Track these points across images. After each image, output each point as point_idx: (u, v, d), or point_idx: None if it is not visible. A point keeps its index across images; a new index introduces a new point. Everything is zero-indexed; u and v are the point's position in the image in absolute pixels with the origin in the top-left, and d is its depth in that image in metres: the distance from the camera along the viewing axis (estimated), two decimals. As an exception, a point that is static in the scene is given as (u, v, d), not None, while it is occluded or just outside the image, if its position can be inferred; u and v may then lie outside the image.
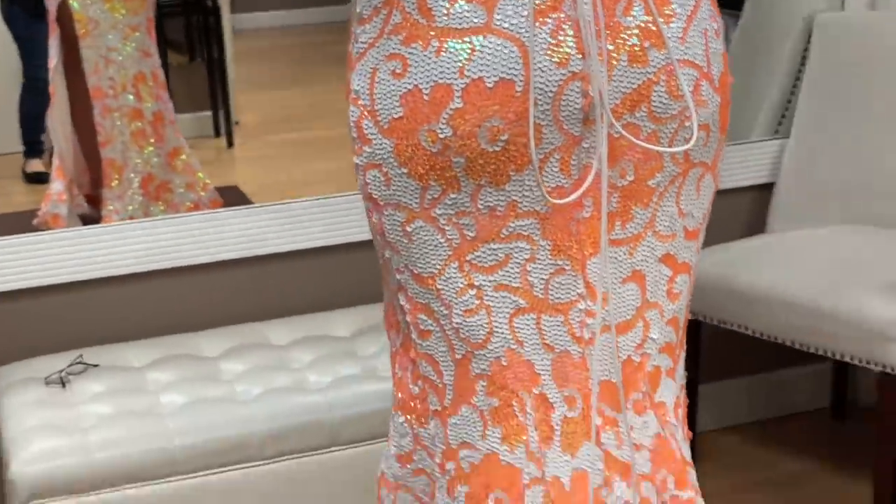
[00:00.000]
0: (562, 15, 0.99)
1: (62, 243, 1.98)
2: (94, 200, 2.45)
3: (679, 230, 1.11)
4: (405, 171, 1.04)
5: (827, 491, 2.18)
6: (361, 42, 1.07)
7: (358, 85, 1.06)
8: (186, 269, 1.99)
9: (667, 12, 1.04)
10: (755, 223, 2.28)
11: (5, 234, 1.96)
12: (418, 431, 1.16)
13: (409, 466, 1.18)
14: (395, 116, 1.03)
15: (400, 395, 1.19)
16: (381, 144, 1.05)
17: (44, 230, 2.19)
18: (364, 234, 2.12)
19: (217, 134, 2.73)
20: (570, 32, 0.99)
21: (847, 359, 1.93)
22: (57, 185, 2.41)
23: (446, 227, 1.04)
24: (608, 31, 1.01)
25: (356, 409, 1.75)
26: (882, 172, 2.18)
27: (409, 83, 1.01)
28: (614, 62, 1.01)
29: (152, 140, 2.45)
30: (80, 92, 2.37)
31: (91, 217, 2.41)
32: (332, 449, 1.74)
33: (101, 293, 1.94)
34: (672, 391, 1.15)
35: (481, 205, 1.02)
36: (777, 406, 2.36)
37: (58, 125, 2.40)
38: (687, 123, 1.05)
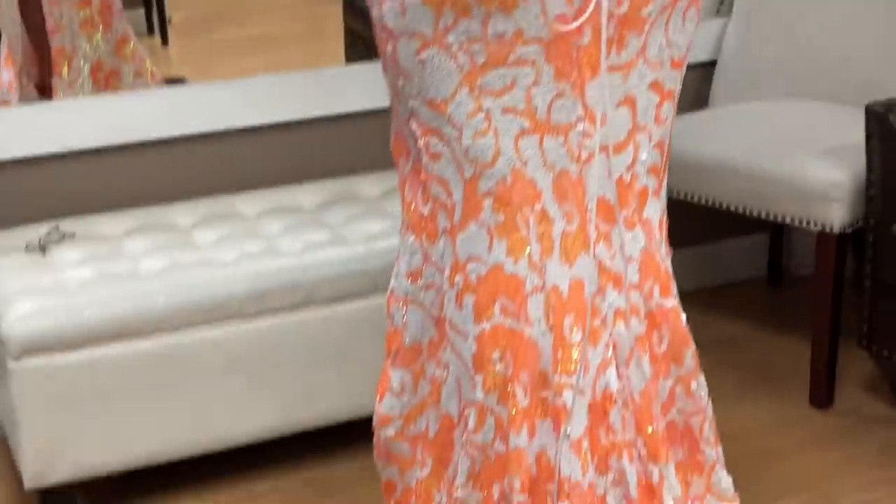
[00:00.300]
0: None
1: (30, 116, 1.99)
2: (44, 90, 2.43)
3: (666, 59, 1.21)
4: None
5: (765, 352, 2.35)
6: None
7: None
8: (154, 143, 2.02)
9: None
10: (698, 100, 2.40)
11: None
12: (428, 249, 1.24)
13: (419, 282, 1.27)
14: None
15: (409, 217, 1.27)
16: None
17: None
18: (326, 111, 2.19)
19: (150, 32, 2.71)
20: None
21: (789, 220, 2.08)
22: (5, 75, 2.39)
23: (458, 53, 1.11)
24: None
25: (329, 271, 1.82)
26: (821, 49, 2.32)
27: None
28: None
29: (100, 27, 2.44)
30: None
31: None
32: (310, 307, 1.81)
33: (72, 167, 1.97)
34: (657, 210, 1.26)
35: (490, 31, 1.09)
36: (717, 275, 2.52)
37: (5, 12, 2.37)
38: None
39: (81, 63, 2.42)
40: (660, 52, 1.19)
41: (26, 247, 1.78)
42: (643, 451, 1.25)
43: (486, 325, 1.18)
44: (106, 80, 2.45)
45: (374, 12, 1.18)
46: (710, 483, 1.39)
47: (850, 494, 1.87)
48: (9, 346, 1.62)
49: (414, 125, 1.19)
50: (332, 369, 1.84)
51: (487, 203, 1.17)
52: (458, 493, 1.24)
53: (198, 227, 1.92)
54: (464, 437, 1.23)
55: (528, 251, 1.17)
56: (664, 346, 1.28)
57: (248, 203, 2.02)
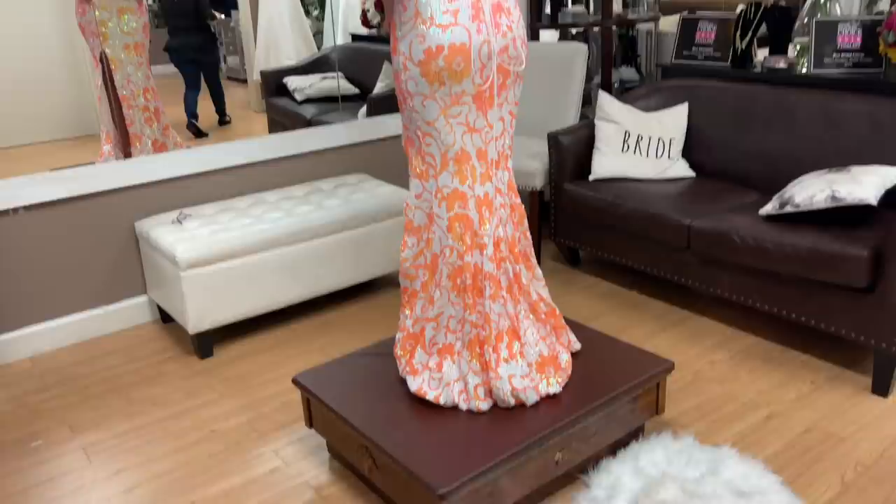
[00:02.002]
0: (482, 18, 2.40)
1: (160, 161, 4.05)
2: (127, 155, 4.39)
3: (515, 99, 2.62)
4: (426, 81, 2.41)
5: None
6: (400, 32, 2.45)
7: (403, 47, 2.44)
8: (213, 171, 4.13)
9: (513, 19, 2.49)
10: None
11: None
12: (423, 184, 2.58)
13: (420, 199, 2.61)
14: (421, 58, 2.40)
15: (414, 172, 2.59)
16: (413, 71, 2.45)
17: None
18: (303, 149, 4.33)
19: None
20: (484, 26, 2.40)
21: (526, 188, 4.38)
22: (107, 147, 4.35)
23: (440, 101, 2.45)
24: (494, 27, 2.43)
25: (347, 214, 3.95)
26: (523, 113, 4.66)
27: (426, 45, 2.39)
28: (497, 38, 2.44)
29: (155, 122, 4.45)
30: (115, 98, 4.33)
31: (121, 168, 4.35)
32: (343, 231, 3.95)
33: (183, 183, 4.03)
34: (510, 165, 2.81)
35: (452, 91, 2.42)
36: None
37: (105, 115, 4.32)
38: (517, 57, 2.52)
39: (147, 141, 4.42)
40: (514, 97, 2.58)
41: (171, 221, 3.83)
42: (511, 259, 2.62)
43: (451, 213, 2.52)
44: (159, 148, 4.46)
45: (398, 81, 2.47)
46: (535, 274, 2.74)
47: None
48: (180, 265, 3.64)
49: (419, 132, 2.51)
50: (358, 256, 3.92)
51: (451, 162, 2.49)
52: (442, 284, 2.58)
53: (251, 206, 4.01)
54: (441, 261, 2.56)
55: (467, 181, 2.51)
56: (516, 218, 2.65)
57: (280, 195, 4.13)
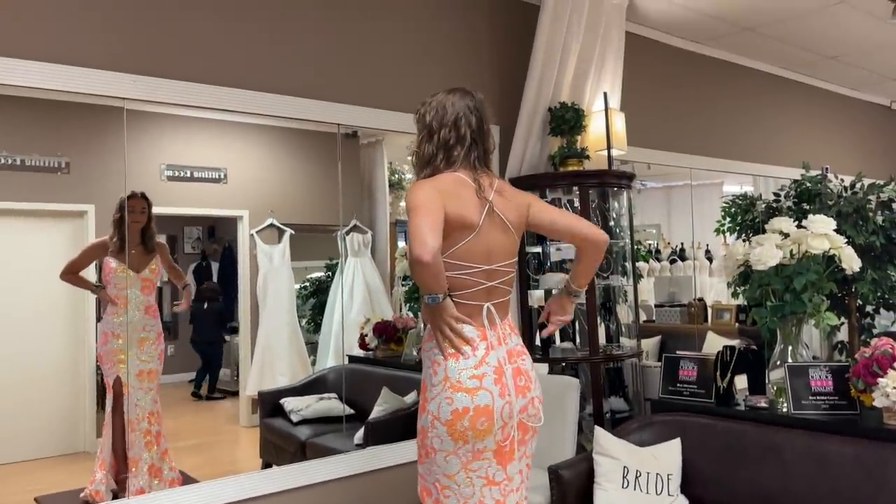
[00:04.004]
0: (504, 382, 2.66)
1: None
2: (120, 482, 4.39)
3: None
4: (451, 439, 2.60)
5: None
6: (430, 394, 2.67)
7: (432, 407, 2.63)
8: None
9: (531, 380, 2.78)
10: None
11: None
12: None
13: None
14: (448, 418, 2.60)
15: None
16: (440, 430, 2.61)
17: (91, 502, 4.12)
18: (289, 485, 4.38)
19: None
20: (507, 389, 2.67)
21: None
22: (99, 474, 4.35)
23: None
24: (515, 389, 2.70)
25: None
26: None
27: (454, 407, 2.60)
28: (518, 398, 2.71)
29: (154, 446, 4.50)
30: (120, 422, 4.40)
31: (115, 493, 4.33)
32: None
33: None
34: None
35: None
36: None
37: (105, 441, 4.36)
38: (535, 415, 2.79)
39: (144, 466, 4.43)
40: (531, 449, 2.84)
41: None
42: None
43: None
44: (155, 473, 4.47)
45: (423, 436, 2.65)
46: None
47: None
48: None
49: (437, 484, 2.69)
50: None
51: None
52: None
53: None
54: None
55: None
56: None
57: None
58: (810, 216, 4.24)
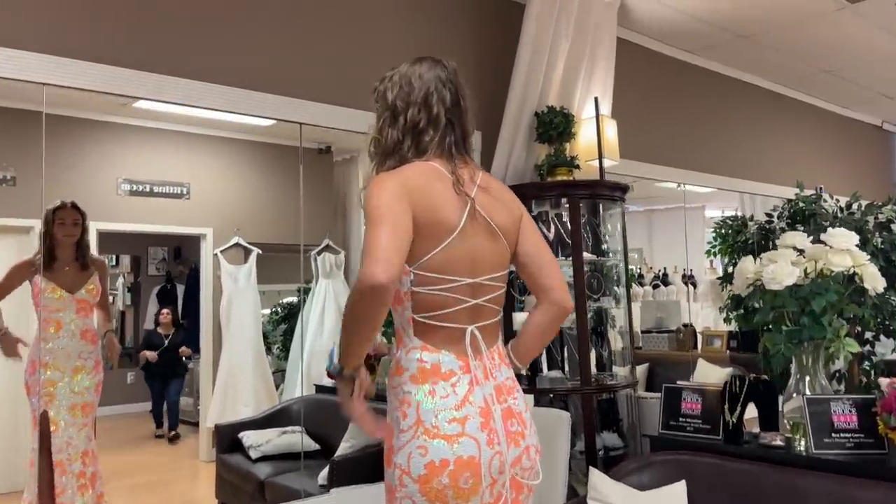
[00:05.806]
0: (492, 427, 2.08)
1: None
2: (49, 530, 3.86)
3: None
4: (426, 500, 2.02)
5: None
6: (397, 442, 2.06)
7: (400, 459, 2.04)
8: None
9: (525, 424, 2.19)
10: None
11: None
12: None
13: None
14: (421, 473, 2.01)
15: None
16: (411, 488, 2.02)
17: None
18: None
19: None
20: (496, 436, 2.07)
21: None
22: (23, 526, 3.81)
23: None
24: (506, 436, 2.11)
25: None
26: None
27: (428, 458, 2.01)
28: (510, 447, 2.13)
29: (89, 489, 3.96)
30: (48, 463, 3.85)
31: (42, 542, 3.80)
32: None
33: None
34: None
35: None
36: None
37: (32, 483, 3.83)
38: (531, 468, 2.20)
39: (76, 514, 3.90)
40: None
41: None
42: None
43: None
44: (91, 527, 3.93)
45: (390, 498, 2.08)
46: None
47: None
48: None
49: None
50: None
51: None
52: None
53: None
54: None
55: None
56: None
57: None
58: (830, 230, 3.80)
